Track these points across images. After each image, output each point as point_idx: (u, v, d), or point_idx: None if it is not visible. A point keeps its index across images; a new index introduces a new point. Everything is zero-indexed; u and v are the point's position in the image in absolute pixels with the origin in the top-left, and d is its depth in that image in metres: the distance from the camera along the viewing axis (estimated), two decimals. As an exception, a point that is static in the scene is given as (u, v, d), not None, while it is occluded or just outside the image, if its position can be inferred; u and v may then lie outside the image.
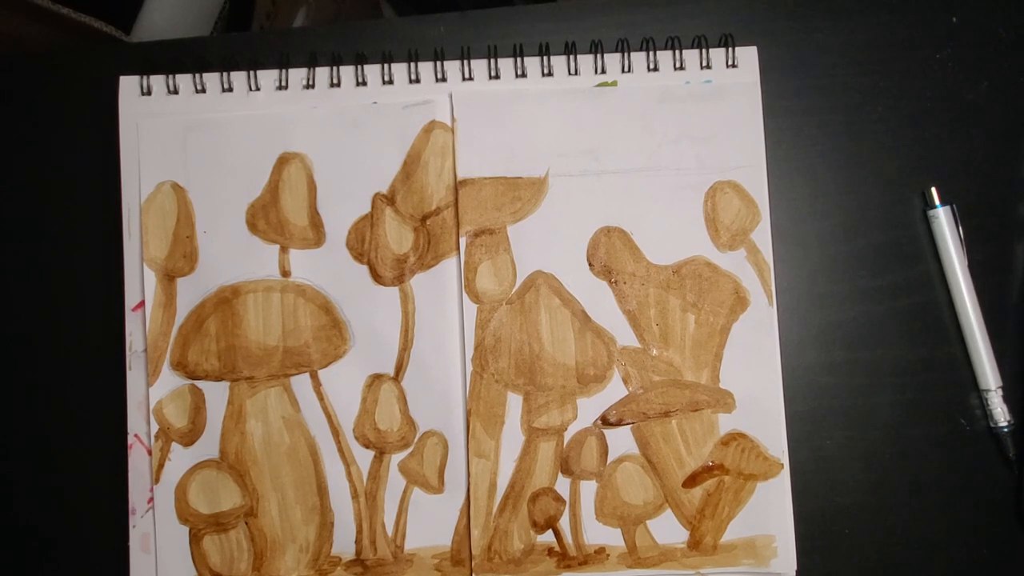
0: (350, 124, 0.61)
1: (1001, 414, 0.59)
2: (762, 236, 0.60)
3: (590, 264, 0.60)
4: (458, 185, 0.60)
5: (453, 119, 0.60)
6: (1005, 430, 0.59)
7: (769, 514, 0.59)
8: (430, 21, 0.63)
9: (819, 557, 0.60)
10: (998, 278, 0.61)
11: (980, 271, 0.60)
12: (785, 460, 0.59)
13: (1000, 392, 0.60)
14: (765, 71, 0.61)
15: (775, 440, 0.59)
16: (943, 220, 0.60)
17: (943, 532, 0.60)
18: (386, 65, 0.61)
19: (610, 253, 0.60)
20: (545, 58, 0.61)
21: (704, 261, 0.60)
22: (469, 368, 0.59)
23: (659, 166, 0.60)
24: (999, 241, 0.61)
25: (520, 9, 0.63)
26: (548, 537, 0.59)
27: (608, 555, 0.59)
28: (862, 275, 0.61)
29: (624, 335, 0.59)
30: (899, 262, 0.61)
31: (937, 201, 0.61)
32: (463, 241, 0.59)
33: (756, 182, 0.60)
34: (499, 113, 0.60)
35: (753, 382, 0.59)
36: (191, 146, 0.60)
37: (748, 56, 0.61)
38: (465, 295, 0.59)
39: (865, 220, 0.62)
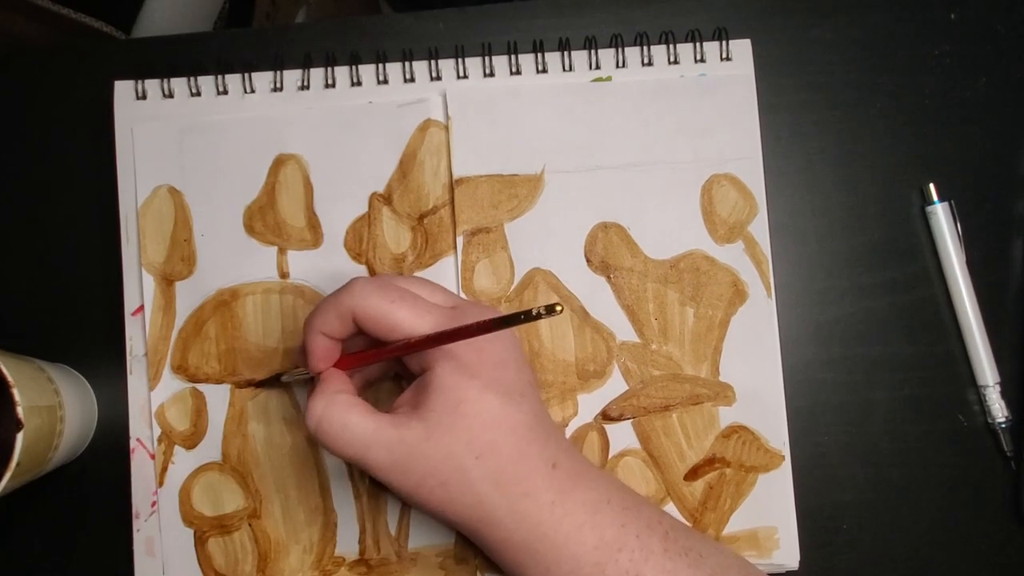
0: (346, 124, 0.61)
1: (999, 410, 0.59)
2: (759, 228, 0.60)
3: (588, 260, 0.60)
4: (454, 184, 0.60)
5: (448, 117, 0.60)
6: (1003, 426, 0.60)
7: (771, 506, 0.59)
8: (427, 17, 0.63)
9: (817, 553, 0.60)
10: (996, 274, 0.61)
11: (978, 267, 0.61)
12: (786, 452, 0.59)
13: (998, 388, 0.60)
14: (762, 68, 0.61)
15: (776, 432, 0.59)
16: (941, 216, 0.60)
17: (941, 527, 0.60)
18: (380, 65, 0.61)
19: (608, 248, 0.60)
20: (539, 54, 0.61)
21: (702, 255, 0.60)
22: (469, 367, 0.59)
23: (655, 160, 0.60)
24: (997, 237, 0.61)
25: (517, 5, 0.63)
26: (551, 533, 0.59)
27: (611, 549, 0.59)
28: (860, 271, 0.61)
29: (623, 330, 0.60)
30: (897, 258, 0.61)
31: (935, 197, 0.61)
32: (460, 240, 0.59)
33: (753, 174, 0.60)
34: (494, 111, 0.60)
35: (753, 374, 0.59)
36: (187, 149, 0.60)
37: (742, 49, 0.61)
38: (463, 294, 0.59)
39: (863, 216, 0.62)
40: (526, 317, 0.43)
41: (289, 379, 0.57)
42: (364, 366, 0.54)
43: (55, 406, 0.55)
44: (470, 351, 0.49)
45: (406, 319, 0.48)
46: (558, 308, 0.42)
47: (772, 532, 0.59)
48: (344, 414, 0.48)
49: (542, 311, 0.42)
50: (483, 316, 0.47)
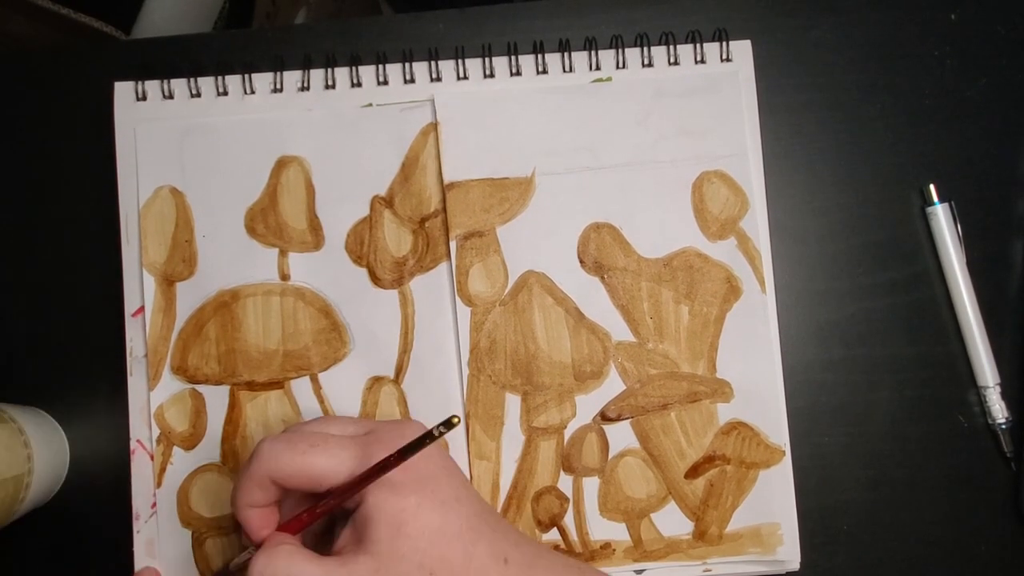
0: (348, 126, 0.61)
1: (999, 411, 0.59)
2: (751, 224, 0.60)
3: (581, 261, 0.60)
4: (445, 189, 0.60)
5: (436, 123, 0.60)
6: (1003, 427, 0.59)
7: (773, 502, 0.59)
8: (427, 18, 0.63)
9: (818, 553, 0.60)
10: (996, 275, 0.61)
11: (978, 268, 0.61)
12: (787, 447, 0.59)
13: (998, 389, 0.60)
14: (763, 68, 0.61)
15: (775, 428, 0.59)
16: (941, 217, 0.60)
17: (941, 528, 0.60)
18: (381, 66, 0.61)
19: (600, 249, 0.60)
20: (539, 55, 0.61)
21: (695, 252, 0.60)
22: (465, 372, 0.59)
23: (645, 160, 0.60)
24: (998, 238, 0.61)
25: (517, 6, 0.63)
26: (554, 535, 0.59)
27: (614, 550, 0.59)
28: (860, 272, 0.61)
29: (619, 330, 0.60)
30: (898, 259, 0.61)
31: (935, 198, 0.61)
32: (453, 244, 0.59)
33: (742, 170, 0.60)
34: (482, 115, 0.60)
35: (750, 370, 0.59)
36: (188, 150, 0.60)
37: (742, 49, 0.61)
38: (458, 299, 0.59)
39: (863, 217, 0.62)
40: (429, 439, 0.45)
41: (237, 565, 0.54)
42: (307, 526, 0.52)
43: (23, 474, 0.55)
44: (397, 472, 0.47)
45: (324, 465, 0.48)
46: (455, 420, 0.44)
47: (775, 528, 0.59)
48: (288, 565, 0.46)
49: (442, 428, 0.45)
50: (398, 432, 0.49)
